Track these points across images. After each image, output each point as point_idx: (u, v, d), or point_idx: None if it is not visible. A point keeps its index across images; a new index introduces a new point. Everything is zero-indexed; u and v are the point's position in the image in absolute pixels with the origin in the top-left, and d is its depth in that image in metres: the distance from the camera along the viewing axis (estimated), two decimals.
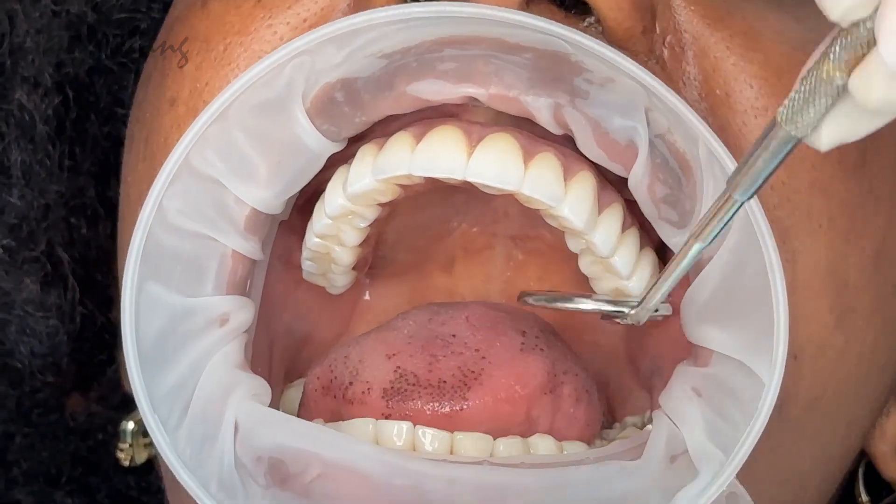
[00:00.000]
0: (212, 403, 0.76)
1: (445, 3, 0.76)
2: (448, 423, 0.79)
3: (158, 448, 0.76)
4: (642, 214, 0.80)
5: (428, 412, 0.79)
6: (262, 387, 0.78)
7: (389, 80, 0.77)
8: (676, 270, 0.75)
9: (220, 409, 0.76)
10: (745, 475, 0.76)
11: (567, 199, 0.78)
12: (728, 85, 0.80)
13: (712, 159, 0.76)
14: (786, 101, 0.66)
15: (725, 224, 0.71)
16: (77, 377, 1.04)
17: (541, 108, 0.76)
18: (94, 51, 1.02)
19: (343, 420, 0.80)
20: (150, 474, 1.05)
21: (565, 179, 0.78)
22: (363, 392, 0.80)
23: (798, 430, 0.83)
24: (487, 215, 0.91)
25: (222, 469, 0.75)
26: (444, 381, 0.80)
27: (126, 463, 1.01)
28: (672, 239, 0.78)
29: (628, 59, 0.76)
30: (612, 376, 0.90)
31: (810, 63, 0.65)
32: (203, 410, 0.76)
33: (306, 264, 0.86)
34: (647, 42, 0.80)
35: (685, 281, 0.78)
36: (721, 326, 0.76)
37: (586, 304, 0.81)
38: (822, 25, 0.67)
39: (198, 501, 0.75)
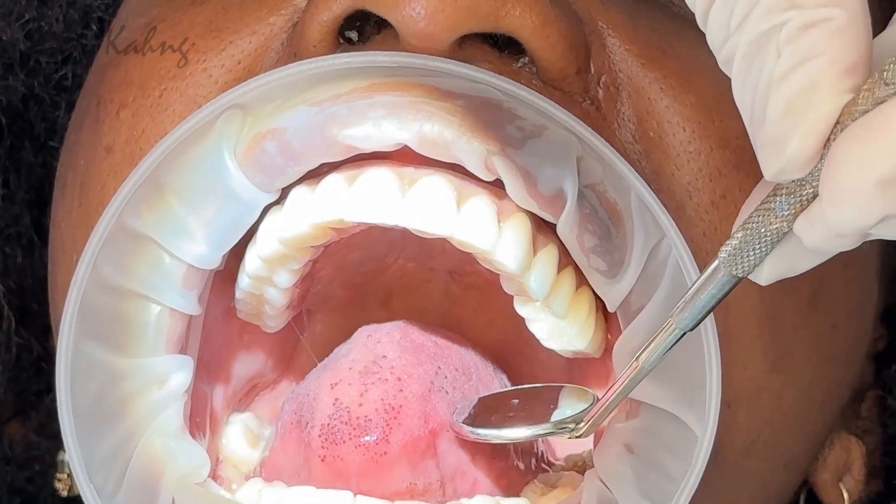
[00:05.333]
0: (149, 474, 0.76)
1: (376, 52, 0.75)
2: (374, 466, 0.79)
3: None
4: None
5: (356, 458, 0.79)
6: (200, 457, 0.78)
7: (320, 128, 0.76)
8: (617, 393, 0.74)
9: (157, 480, 0.76)
10: None
11: (500, 244, 0.77)
12: (661, 127, 0.79)
13: (644, 209, 0.75)
14: (726, 247, 0.67)
15: (667, 350, 0.71)
16: (14, 407, 1.03)
17: (471, 156, 0.75)
18: (27, 79, 1.00)
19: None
20: None
21: (500, 222, 0.77)
22: (310, 430, 0.80)
23: (734, 474, 0.82)
24: (424, 251, 0.90)
25: None
26: (370, 420, 0.79)
27: (64, 493, 1.00)
28: (601, 288, 0.77)
29: (560, 108, 0.75)
30: None
31: (748, 210, 0.66)
32: (141, 481, 0.76)
33: (240, 304, 0.85)
34: (581, 82, 0.79)
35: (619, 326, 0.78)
36: (651, 377, 0.75)
37: (521, 433, 0.79)
38: None
39: None
